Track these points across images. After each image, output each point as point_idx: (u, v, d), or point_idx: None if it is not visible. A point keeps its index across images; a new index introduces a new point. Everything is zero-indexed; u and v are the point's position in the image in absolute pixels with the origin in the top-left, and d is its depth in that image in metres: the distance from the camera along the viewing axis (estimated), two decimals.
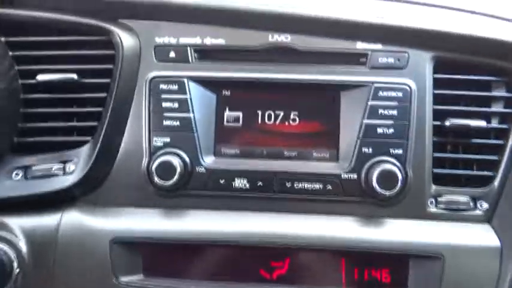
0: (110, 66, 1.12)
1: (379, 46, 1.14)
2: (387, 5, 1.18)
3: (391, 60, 1.14)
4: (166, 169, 1.06)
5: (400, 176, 1.10)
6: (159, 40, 1.13)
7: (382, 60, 1.14)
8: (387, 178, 1.09)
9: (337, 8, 1.15)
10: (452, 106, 1.16)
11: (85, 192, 1.12)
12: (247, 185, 1.10)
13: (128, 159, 1.11)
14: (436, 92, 1.16)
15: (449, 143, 1.17)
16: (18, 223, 1.08)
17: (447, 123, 1.14)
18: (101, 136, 1.10)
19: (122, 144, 1.12)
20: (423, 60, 1.14)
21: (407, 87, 1.14)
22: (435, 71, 1.14)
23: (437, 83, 1.16)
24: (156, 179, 1.07)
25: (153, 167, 1.07)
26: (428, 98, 1.14)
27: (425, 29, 1.14)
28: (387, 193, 1.09)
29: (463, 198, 1.11)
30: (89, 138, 1.13)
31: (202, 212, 1.11)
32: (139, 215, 1.11)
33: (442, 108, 1.16)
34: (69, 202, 1.12)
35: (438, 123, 1.15)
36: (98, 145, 1.10)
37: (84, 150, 1.12)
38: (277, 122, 1.13)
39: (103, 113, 1.11)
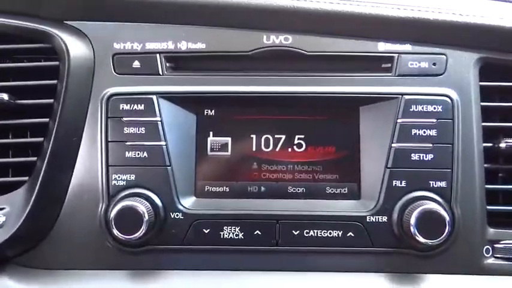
0: (53, 81, 0.94)
1: (407, 47, 0.94)
2: None
3: (424, 64, 0.93)
4: (129, 217, 0.88)
5: (447, 218, 0.86)
6: (118, 46, 0.96)
7: (413, 64, 0.93)
8: (430, 221, 0.86)
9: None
10: (505, 122, 0.95)
11: (20, 252, 0.93)
12: (241, 235, 0.91)
13: (79, 206, 0.93)
14: (484, 104, 0.94)
15: (502, 170, 0.95)
16: None
17: (502, 144, 0.92)
18: (41, 175, 0.91)
19: (71, 186, 0.93)
20: (466, 64, 0.94)
21: (448, 99, 0.92)
22: (481, 78, 0.94)
23: (484, 93, 0.94)
24: (115, 231, 0.88)
25: (113, 214, 0.88)
26: (476, 113, 0.93)
27: (468, 23, 0.92)
28: (430, 242, 0.86)
29: None
30: (25, 178, 0.94)
31: (181, 274, 0.92)
32: (95, 281, 0.92)
33: (493, 125, 0.94)
34: None
35: (489, 144, 0.93)
36: (37, 187, 0.91)
37: (19, 194, 0.93)
38: (278, 148, 0.95)
39: (44, 144, 0.93)
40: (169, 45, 0.94)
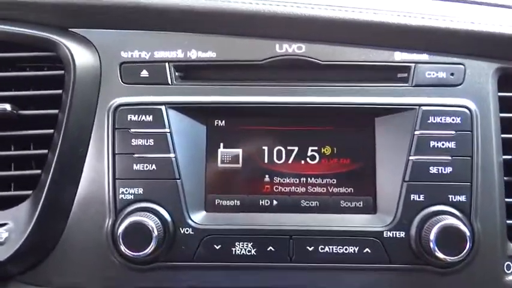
0: (58, 91, 0.91)
1: (425, 57, 0.92)
2: (433, 3, 0.91)
3: (442, 74, 0.91)
4: (138, 233, 0.85)
5: (467, 233, 0.83)
6: (126, 55, 0.93)
7: (431, 74, 0.91)
8: (450, 237, 0.83)
9: (367, 8, 0.91)
10: None
11: (24, 269, 0.90)
12: (253, 251, 0.88)
13: (85, 221, 0.89)
14: (503, 115, 0.91)
15: None
16: None
17: None
18: (46, 188, 0.88)
19: (76, 200, 0.90)
20: (485, 74, 0.91)
21: (467, 110, 0.89)
22: (500, 88, 0.92)
23: (503, 104, 0.92)
24: (123, 247, 0.85)
25: (120, 230, 0.85)
26: (495, 124, 0.90)
27: (486, 32, 0.90)
28: (450, 258, 0.83)
29: None
30: (29, 192, 0.91)
31: None
32: None
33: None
34: (1, 283, 0.90)
35: (509, 157, 0.91)
36: (41, 201, 0.88)
37: (23, 209, 0.89)
38: (290, 160, 0.92)
39: (49, 156, 0.90)
40: (179, 54, 0.91)
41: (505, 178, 0.89)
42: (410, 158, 0.87)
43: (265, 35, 0.91)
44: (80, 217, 0.89)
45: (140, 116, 0.89)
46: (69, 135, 0.88)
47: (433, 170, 0.87)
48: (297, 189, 0.91)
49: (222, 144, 0.92)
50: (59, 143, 0.88)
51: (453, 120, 0.88)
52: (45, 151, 0.89)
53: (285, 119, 0.92)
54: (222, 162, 0.91)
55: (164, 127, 0.89)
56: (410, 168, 0.87)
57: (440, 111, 0.88)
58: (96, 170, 0.89)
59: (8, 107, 0.89)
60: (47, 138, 0.90)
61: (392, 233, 0.86)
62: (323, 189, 0.91)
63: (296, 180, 0.91)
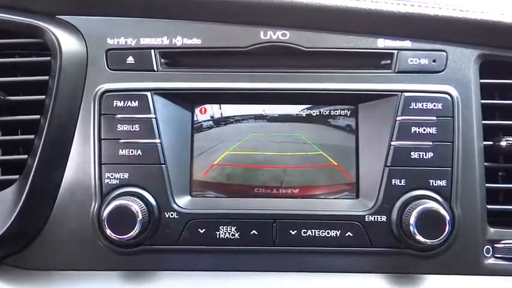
0: (45, 77, 0.92)
1: (407, 43, 0.92)
2: None
3: (424, 61, 0.91)
4: (123, 217, 0.85)
5: (447, 217, 0.84)
6: (112, 42, 0.93)
7: (413, 61, 0.91)
8: (430, 221, 0.84)
9: None
10: (505, 120, 0.93)
11: (10, 253, 0.91)
12: (237, 235, 0.89)
13: (71, 205, 0.90)
14: (485, 102, 0.92)
15: (503, 169, 0.93)
16: None
17: (502, 142, 0.90)
18: (32, 173, 0.88)
19: (62, 184, 0.91)
20: (466, 61, 0.92)
21: (448, 97, 0.90)
22: (482, 75, 0.92)
23: (484, 91, 0.92)
24: (108, 230, 0.86)
25: (105, 214, 0.86)
26: (476, 110, 0.91)
27: (469, 19, 0.90)
28: (430, 241, 0.84)
29: None
30: (15, 176, 0.91)
31: (175, 275, 0.90)
32: (88, 282, 0.90)
33: (493, 123, 0.92)
34: None
35: (490, 143, 0.91)
36: (28, 185, 0.88)
37: (9, 193, 0.90)
38: (275, 145, 0.93)
39: (35, 141, 0.91)
40: (164, 41, 0.92)
41: (486, 164, 0.90)
42: (392, 143, 0.88)
43: (250, 22, 0.92)
44: (66, 201, 0.90)
45: (126, 102, 0.90)
46: (56, 121, 0.89)
47: (415, 155, 0.88)
48: (280, 175, 0.92)
49: (207, 130, 0.92)
50: (45, 129, 0.88)
51: (435, 106, 0.89)
52: (32, 136, 0.90)
53: (269, 105, 0.92)
54: (207, 147, 0.92)
55: (150, 113, 0.89)
56: (392, 153, 0.88)
57: (422, 97, 0.89)
58: (82, 155, 0.90)
59: None
60: (34, 123, 0.90)
61: (374, 217, 0.87)
62: (306, 174, 0.91)
63: (280, 165, 0.92)
